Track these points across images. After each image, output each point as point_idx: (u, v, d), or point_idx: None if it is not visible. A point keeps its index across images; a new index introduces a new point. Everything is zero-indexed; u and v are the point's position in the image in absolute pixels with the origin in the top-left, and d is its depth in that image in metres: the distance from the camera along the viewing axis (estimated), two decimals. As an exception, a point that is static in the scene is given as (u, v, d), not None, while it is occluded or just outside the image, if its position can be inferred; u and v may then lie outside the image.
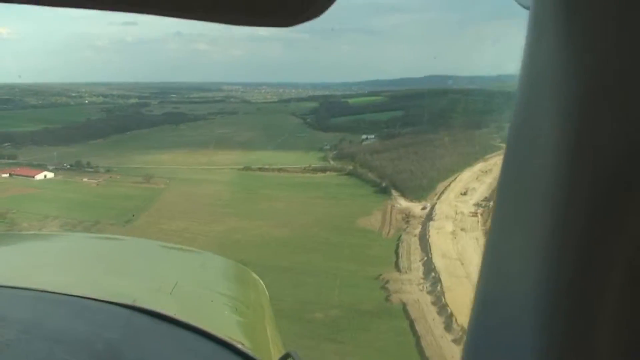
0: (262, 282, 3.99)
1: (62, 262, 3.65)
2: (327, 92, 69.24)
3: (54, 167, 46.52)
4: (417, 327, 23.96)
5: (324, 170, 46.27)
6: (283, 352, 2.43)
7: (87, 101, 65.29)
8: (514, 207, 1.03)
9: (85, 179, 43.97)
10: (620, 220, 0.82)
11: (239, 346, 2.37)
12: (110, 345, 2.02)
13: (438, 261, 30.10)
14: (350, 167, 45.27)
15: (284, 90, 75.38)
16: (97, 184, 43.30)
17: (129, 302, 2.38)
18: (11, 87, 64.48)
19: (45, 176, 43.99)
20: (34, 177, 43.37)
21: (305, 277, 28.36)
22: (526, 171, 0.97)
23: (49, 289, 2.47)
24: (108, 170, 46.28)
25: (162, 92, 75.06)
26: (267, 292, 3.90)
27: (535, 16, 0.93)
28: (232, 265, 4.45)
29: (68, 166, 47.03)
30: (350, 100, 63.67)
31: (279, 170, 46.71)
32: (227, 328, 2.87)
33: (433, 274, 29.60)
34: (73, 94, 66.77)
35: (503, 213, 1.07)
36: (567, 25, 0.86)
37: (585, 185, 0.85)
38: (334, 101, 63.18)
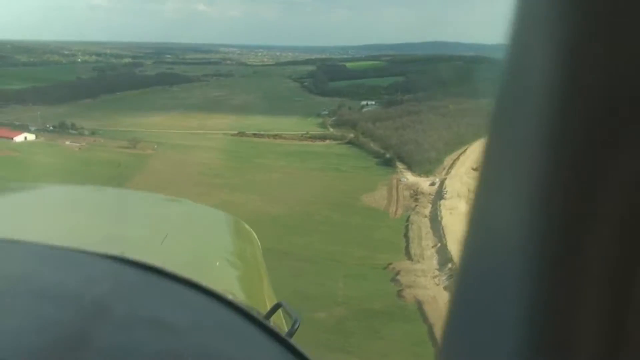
0: (255, 234, 3.43)
1: (51, 213, 3.18)
2: (324, 56, 64.99)
3: (36, 128, 41.93)
4: (437, 334, 18.84)
5: (323, 138, 41.43)
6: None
7: (79, 60, 61.91)
8: (492, 198, 0.81)
9: (67, 142, 39.02)
10: (599, 211, 0.66)
11: (229, 297, 1.84)
12: (97, 299, 1.59)
13: (453, 248, 25.70)
14: (351, 136, 40.30)
15: (280, 53, 71.13)
16: (80, 148, 37.85)
17: (117, 253, 1.83)
18: (3, 44, 60.71)
19: (25, 138, 39.06)
20: (12, 138, 38.35)
21: (305, 264, 23.49)
22: (505, 163, 0.77)
23: (37, 241, 1.88)
24: (93, 133, 41.59)
25: (157, 52, 71.25)
26: (259, 244, 3.35)
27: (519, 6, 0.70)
28: (225, 217, 3.83)
29: (51, 127, 42.52)
30: (348, 64, 59.19)
31: (275, 136, 41.87)
32: (219, 280, 2.52)
33: (449, 264, 25.90)
34: (66, 52, 63.31)
35: (481, 204, 0.82)
36: (553, 17, 0.66)
37: (564, 177, 0.68)
38: (331, 65, 58.93)
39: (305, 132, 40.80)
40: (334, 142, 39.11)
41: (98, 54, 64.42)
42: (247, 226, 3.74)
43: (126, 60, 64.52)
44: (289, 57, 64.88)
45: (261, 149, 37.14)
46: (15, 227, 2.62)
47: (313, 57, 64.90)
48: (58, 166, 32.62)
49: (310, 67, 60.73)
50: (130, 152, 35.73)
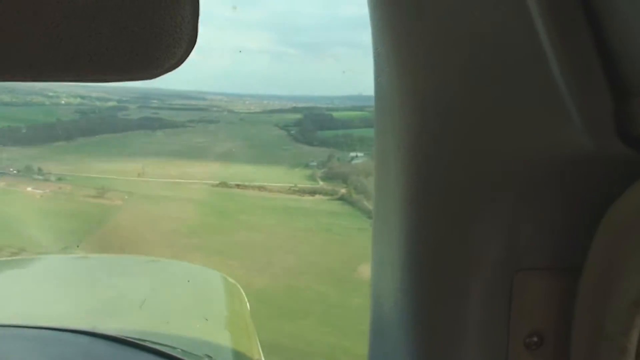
0: (239, 288, 3.67)
1: (21, 289, 3.24)
2: (310, 104, 59.16)
3: None
4: None
5: (312, 192, 33.19)
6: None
7: (63, 102, 54.97)
8: (385, 227, 1.05)
9: (29, 189, 30.82)
10: (469, 239, 0.87)
11: None
12: None
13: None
14: (343, 191, 33.17)
15: (268, 102, 65.10)
16: (41, 196, 31.49)
17: (88, 328, 2.23)
18: (-13, 85, 54.55)
19: None
20: None
21: (294, 364, 16.94)
22: (388, 194, 0.98)
23: (8, 323, 2.27)
24: (60, 179, 33.08)
25: (144, 97, 64.58)
26: (245, 297, 3.54)
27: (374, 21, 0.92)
28: (206, 272, 4.10)
29: (15, 172, 35.37)
30: (334, 114, 53.12)
31: (260, 188, 34.00)
32: (198, 342, 2.61)
33: None
34: (50, 94, 56.82)
35: (378, 232, 1.10)
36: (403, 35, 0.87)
37: (435, 208, 0.90)
38: (318, 114, 52.52)
39: (293, 185, 34.18)
40: (324, 198, 32.49)
41: (82, 97, 57.43)
42: (232, 280, 3.77)
43: (111, 103, 57.76)
44: (276, 105, 58.83)
45: (244, 202, 30.58)
46: None
47: (300, 105, 58.88)
48: (11, 216, 26.06)
49: (297, 115, 54.35)
50: (96, 202, 29.01)
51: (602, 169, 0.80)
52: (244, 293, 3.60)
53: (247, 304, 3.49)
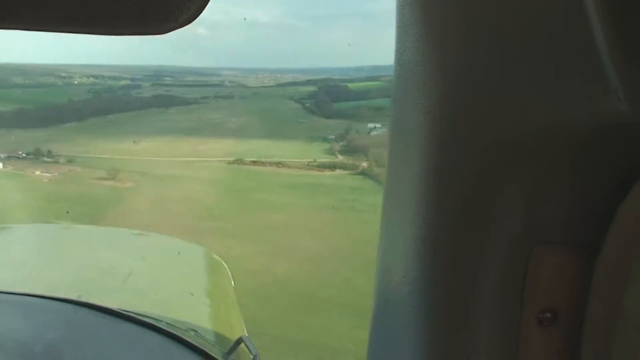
0: (224, 264, 3.55)
1: (10, 256, 3.18)
2: (324, 76, 56.41)
3: (6, 155, 31.14)
4: None
5: (332, 167, 30.75)
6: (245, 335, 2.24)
7: (76, 82, 53.00)
8: (398, 203, 0.99)
9: (37, 172, 28.73)
10: (488, 213, 0.83)
11: (191, 334, 2.14)
12: (50, 346, 1.81)
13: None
14: (364, 165, 29.81)
15: (281, 75, 62.48)
16: (50, 179, 28.38)
17: (74, 297, 2.16)
18: (1, 67, 52.57)
19: None
20: None
21: (324, 365, 15.24)
22: (404, 168, 0.94)
23: None
24: (70, 161, 30.95)
25: (157, 75, 62.23)
26: (230, 274, 3.43)
27: (401, 13, 0.87)
28: (193, 248, 3.95)
29: (24, 154, 31.47)
30: (350, 85, 50.53)
31: (278, 164, 31.23)
32: (182, 315, 2.51)
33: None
34: (63, 74, 54.89)
35: (390, 208, 1.04)
36: (428, 24, 0.83)
37: (454, 181, 0.85)
38: (333, 85, 50.14)
39: (312, 160, 31.68)
40: (345, 172, 30.00)
41: (95, 77, 55.14)
42: (216, 256, 3.62)
43: (124, 82, 55.31)
44: (290, 79, 56.04)
45: (262, 180, 28.12)
46: None
47: (313, 77, 55.91)
48: (17, 202, 23.93)
49: (312, 88, 51.75)
50: (107, 185, 26.70)
51: (631, 143, 0.75)
52: (228, 269, 3.41)
53: (232, 280, 3.32)
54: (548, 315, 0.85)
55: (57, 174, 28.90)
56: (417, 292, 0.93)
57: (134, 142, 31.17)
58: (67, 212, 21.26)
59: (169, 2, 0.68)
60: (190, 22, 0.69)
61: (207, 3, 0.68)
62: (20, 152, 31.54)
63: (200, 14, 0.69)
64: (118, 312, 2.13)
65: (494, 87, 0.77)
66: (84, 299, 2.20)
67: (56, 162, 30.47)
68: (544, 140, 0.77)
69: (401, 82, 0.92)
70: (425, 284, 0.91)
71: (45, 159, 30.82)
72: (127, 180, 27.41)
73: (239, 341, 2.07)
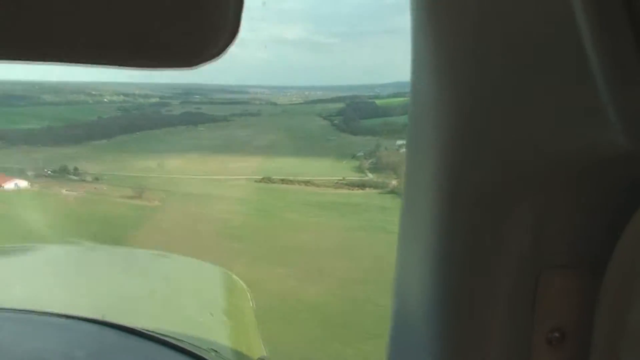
0: (244, 285, 3.54)
1: (36, 276, 3.18)
2: (352, 93, 55.74)
3: (33, 173, 30.37)
4: None
5: (361, 185, 29.43)
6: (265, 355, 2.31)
7: (106, 100, 52.80)
8: (413, 220, 1.02)
9: (64, 191, 28.01)
10: (498, 235, 0.85)
11: (212, 354, 2.13)
12: None
13: None
14: (394, 183, 27.84)
15: (309, 93, 61.85)
16: (76, 198, 27.42)
17: (98, 317, 2.16)
18: (31, 84, 52.44)
19: (16, 185, 28.10)
20: (1, 186, 27.59)
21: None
22: (419, 187, 0.97)
23: (20, 307, 2.22)
24: (96, 179, 30.17)
25: (186, 92, 62.01)
26: (248, 295, 3.42)
27: (415, 30, 0.90)
28: (212, 269, 3.92)
29: (50, 172, 30.90)
30: (377, 101, 49.70)
31: (306, 183, 29.96)
32: (203, 335, 2.49)
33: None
34: (93, 92, 54.75)
35: (406, 225, 1.07)
36: (444, 43, 0.86)
37: (466, 202, 0.88)
38: (360, 102, 49.43)
39: (341, 178, 30.58)
40: (374, 191, 28.67)
41: (126, 94, 54.84)
42: (235, 277, 3.61)
43: (154, 100, 54.98)
44: (318, 96, 55.33)
45: (290, 199, 27.00)
46: (1, 294, 2.46)
47: (341, 94, 55.19)
48: (40, 223, 23.10)
49: (339, 105, 50.97)
50: (133, 204, 25.75)
51: (633, 169, 0.79)
52: (247, 290, 3.39)
53: (250, 301, 3.32)
54: (557, 335, 0.86)
55: (83, 192, 28.15)
56: (432, 312, 0.93)
57: (157, 164, 30.23)
58: (95, 235, 20.39)
59: (198, 38, 0.68)
60: (218, 57, 0.70)
61: (235, 38, 0.69)
62: (46, 170, 30.87)
63: (228, 48, 0.70)
64: (141, 332, 2.09)
65: (503, 112, 0.79)
66: (107, 319, 2.18)
67: (83, 180, 29.69)
68: (549, 165, 0.79)
69: (416, 106, 0.93)
70: (439, 305, 0.91)
71: (72, 177, 30.02)
72: (154, 198, 26.50)
73: None
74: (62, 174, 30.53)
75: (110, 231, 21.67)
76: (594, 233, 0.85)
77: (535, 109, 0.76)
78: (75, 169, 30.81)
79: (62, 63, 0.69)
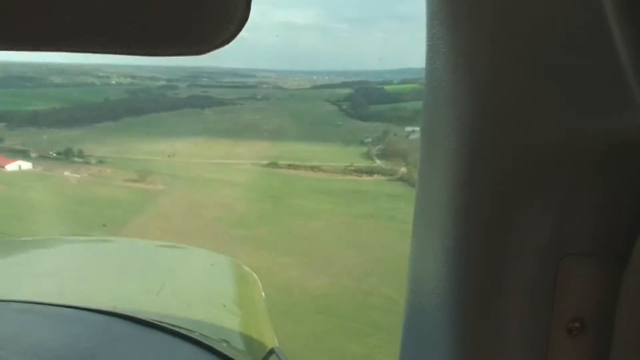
0: (255, 276, 3.38)
1: (48, 269, 3.11)
2: (360, 79, 55.08)
3: (37, 155, 29.54)
4: None
5: (370, 172, 28.42)
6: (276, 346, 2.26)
7: (113, 82, 52.32)
8: (428, 211, 1.00)
9: (66, 173, 27.25)
10: (517, 223, 0.84)
11: (223, 345, 2.09)
12: (85, 356, 1.80)
13: None
14: (403, 170, 27.26)
15: (317, 77, 61.37)
16: (79, 181, 26.41)
17: (109, 308, 2.15)
18: (39, 66, 51.87)
19: (19, 167, 27.59)
20: (4, 167, 27.17)
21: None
22: (434, 177, 0.95)
23: (31, 300, 2.19)
24: (100, 162, 29.16)
25: (194, 75, 61.41)
26: (260, 285, 3.26)
27: (430, 21, 0.90)
28: (223, 259, 3.73)
29: (54, 154, 30.01)
30: (386, 87, 48.92)
31: (314, 168, 28.91)
32: (214, 327, 2.48)
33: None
34: (101, 74, 54.16)
35: (421, 216, 1.04)
36: (458, 35, 0.85)
37: (483, 191, 0.86)
38: (369, 87, 48.69)
39: (349, 164, 29.66)
40: (383, 178, 27.75)
41: (133, 77, 54.25)
42: (246, 268, 3.46)
43: (161, 82, 54.35)
44: (326, 81, 54.63)
45: (297, 184, 26.15)
46: (12, 286, 2.48)
47: (350, 80, 54.51)
48: (41, 205, 22.32)
49: (348, 90, 50.25)
50: (137, 187, 24.99)
51: None
52: (259, 281, 3.22)
53: (262, 292, 3.16)
54: (577, 324, 0.86)
55: (86, 175, 27.46)
56: (448, 303, 0.92)
57: (168, 156, 29.40)
58: (104, 226, 19.75)
59: (207, 25, 0.67)
60: (227, 44, 0.70)
61: (244, 25, 0.69)
62: (51, 152, 30.11)
63: (237, 35, 0.69)
64: (152, 323, 2.04)
65: (520, 100, 0.78)
66: (118, 310, 2.13)
67: (87, 163, 28.94)
68: (571, 150, 0.78)
69: (432, 94, 0.91)
70: (455, 295, 0.90)
71: (76, 159, 29.27)
72: (158, 182, 25.77)
73: (271, 352, 2.03)
74: (66, 156, 29.82)
75: (113, 214, 21.04)
76: (618, 220, 0.81)
77: (557, 94, 0.74)
78: (80, 151, 30.09)
79: (73, 51, 0.68)
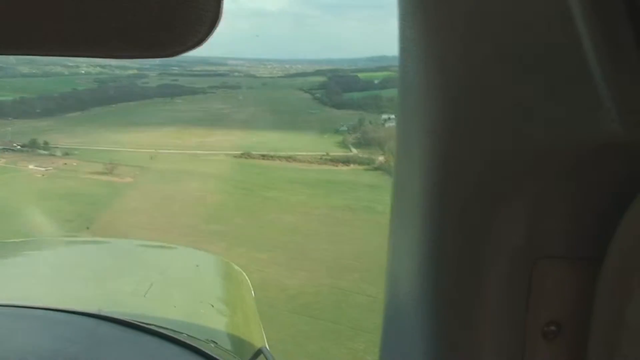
0: (244, 274, 3.34)
1: (28, 271, 3.06)
2: (334, 67, 54.06)
3: (0, 147, 28.11)
4: None
5: (346, 161, 27.44)
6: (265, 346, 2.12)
7: (83, 71, 50.65)
8: (404, 215, 1.02)
9: (31, 166, 25.87)
10: (491, 226, 0.84)
11: (211, 346, 2.03)
12: (70, 358, 1.75)
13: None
14: (381, 159, 26.43)
15: (290, 66, 60.37)
16: (43, 174, 25.32)
17: (94, 310, 2.06)
18: (7, 56, 49.94)
19: None
20: None
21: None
22: (410, 180, 0.97)
23: (16, 303, 2.09)
24: (67, 153, 27.90)
25: (164, 64, 60.00)
26: (249, 284, 3.25)
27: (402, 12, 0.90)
28: (212, 259, 3.84)
29: (18, 147, 28.64)
30: (360, 75, 47.92)
31: (288, 158, 27.97)
32: (202, 327, 2.40)
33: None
34: (70, 64, 52.46)
35: (397, 219, 1.05)
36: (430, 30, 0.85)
37: (457, 195, 0.87)
38: (343, 75, 47.74)
39: (324, 153, 28.61)
40: (360, 167, 26.66)
41: (102, 66, 52.51)
42: (235, 267, 3.41)
43: (131, 71, 52.70)
44: (299, 69, 53.59)
45: (271, 175, 24.89)
46: None
47: (323, 68, 53.44)
48: (3, 200, 21.21)
49: (321, 78, 49.26)
50: (104, 180, 23.67)
51: (630, 158, 0.78)
52: (248, 279, 3.19)
53: (252, 291, 3.15)
54: (552, 328, 0.86)
55: (51, 167, 26.02)
56: (424, 306, 0.93)
57: (150, 157, 27.86)
58: (88, 228, 18.47)
59: (179, 27, 0.68)
60: (200, 45, 0.70)
61: (216, 26, 0.69)
62: (15, 144, 28.57)
63: (209, 36, 0.69)
64: (138, 325, 1.95)
65: (493, 103, 0.78)
66: (104, 312, 2.04)
67: (52, 155, 27.48)
68: (543, 155, 0.78)
69: (405, 97, 0.93)
70: (431, 299, 0.91)
71: (41, 151, 27.78)
72: (126, 175, 24.43)
73: (258, 353, 1.90)
74: (31, 148, 28.35)
75: (78, 210, 19.76)
76: (592, 223, 0.82)
77: (529, 98, 0.74)
78: (46, 143, 28.61)
79: (51, 55, 0.69)
